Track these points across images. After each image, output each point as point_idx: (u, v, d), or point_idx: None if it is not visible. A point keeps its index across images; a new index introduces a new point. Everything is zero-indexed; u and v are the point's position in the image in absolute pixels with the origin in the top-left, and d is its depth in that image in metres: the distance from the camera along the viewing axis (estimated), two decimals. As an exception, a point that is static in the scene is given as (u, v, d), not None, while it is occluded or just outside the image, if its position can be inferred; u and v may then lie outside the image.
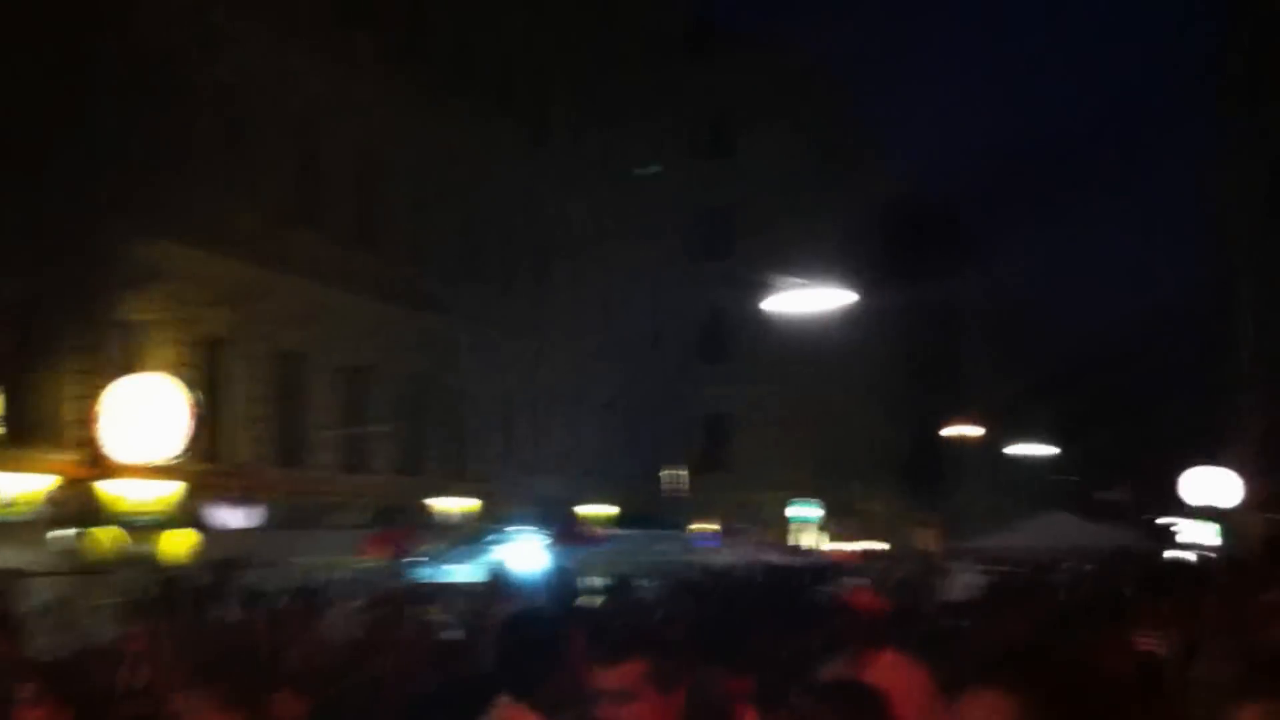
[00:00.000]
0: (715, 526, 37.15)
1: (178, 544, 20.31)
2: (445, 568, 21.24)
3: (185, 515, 21.36)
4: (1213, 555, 37.30)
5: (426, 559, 21.38)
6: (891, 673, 5.28)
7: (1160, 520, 66.18)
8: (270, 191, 24.64)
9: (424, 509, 28.52)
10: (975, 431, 57.01)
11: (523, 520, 26.12)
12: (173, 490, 21.29)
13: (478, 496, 29.99)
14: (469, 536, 24.26)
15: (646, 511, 35.14)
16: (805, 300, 29.14)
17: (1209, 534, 42.27)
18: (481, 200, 31.43)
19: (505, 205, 32.42)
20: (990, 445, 64.34)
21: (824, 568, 23.81)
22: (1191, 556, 38.58)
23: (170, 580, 14.34)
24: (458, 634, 11.44)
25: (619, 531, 28.81)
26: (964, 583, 20.34)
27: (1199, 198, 51.83)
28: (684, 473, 42.44)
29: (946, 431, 56.57)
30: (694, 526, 36.69)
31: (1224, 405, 41.61)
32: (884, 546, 47.24)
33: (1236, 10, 33.14)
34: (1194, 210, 54.25)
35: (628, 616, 9.38)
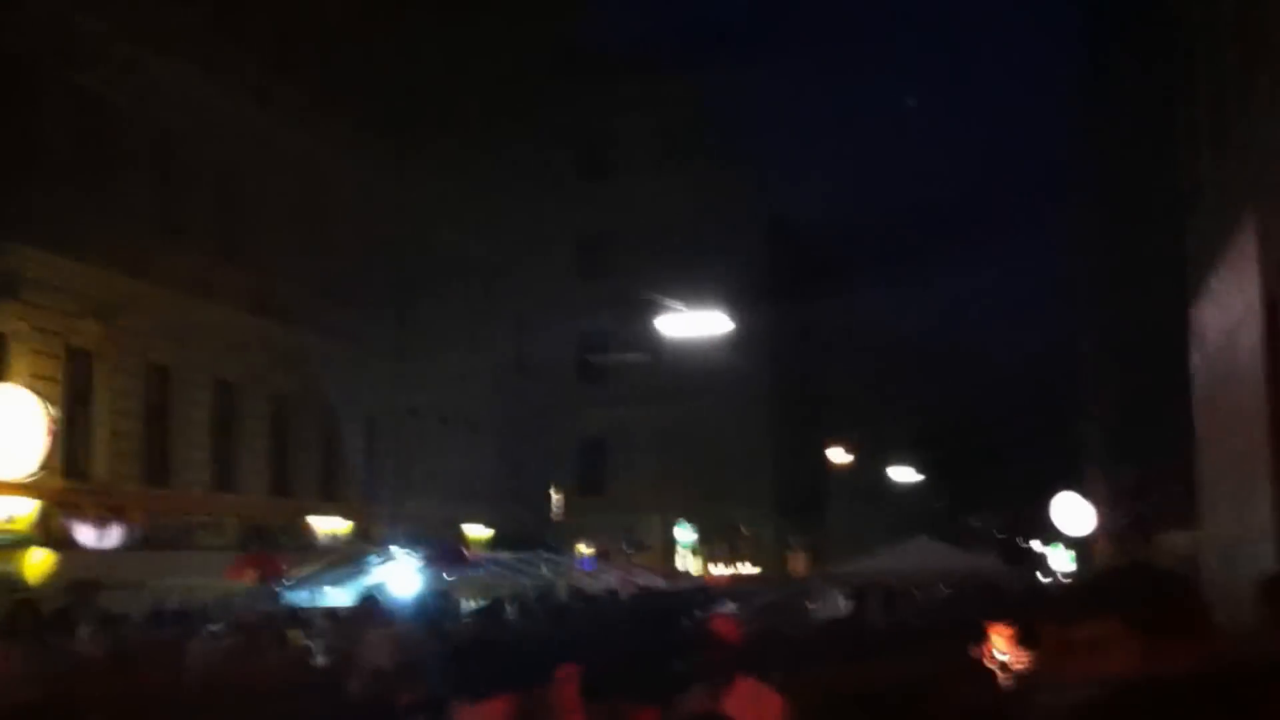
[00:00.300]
0: (591, 550, 37.30)
1: (35, 565, 19.82)
2: (317, 591, 21.06)
3: (43, 534, 20.83)
4: (1066, 581, 38.55)
5: (297, 582, 21.16)
6: (748, 702, 5.49)
7: (1023, 546, 68.01)
8: (139, 203, 24.18)
9: (295, 530, 28.19)
10: (848, 457, 58.11)
11: (397, 542, 25.95)
12: (29, 508, 20.76)
13: (350, 518, 29.74)
14: (341, 559, 24.03)
15: (523, 534, 35.11)
16: (684, 324, 29.67)
17: (1066, 560, 43.72)
18: (355, 219, 31.21)
19: (379, 225, 32.21)
20: (863, 471, 65.57)
21: (694, 593, 24.08)
22: (1047, 582, 39.82)
23: (20, 603, 14.02)
24: (326, 659, 11.47)
25: (494, 554, 28.79)
26: (832, 606, 20.82)
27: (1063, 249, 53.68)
28: (561, 495, 42.52)
29: (821, 457, 57.56)
30: (572, 549, 36.81)
31: (1080, 440, 43.09)
32: (757, 570, 47.88)
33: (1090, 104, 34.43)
34: (1061, 258, 56.24)
35: (491, 648, 9.45)
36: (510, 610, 17.90)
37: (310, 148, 29.01)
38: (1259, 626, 6.23)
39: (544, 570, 26.43)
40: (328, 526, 29.22)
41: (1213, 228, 13.42)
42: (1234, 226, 11.39)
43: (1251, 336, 10.44)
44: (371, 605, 12.66)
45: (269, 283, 27.46)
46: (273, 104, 28.10)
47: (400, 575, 22.15)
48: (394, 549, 24.17)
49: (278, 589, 20.36)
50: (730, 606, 21.73)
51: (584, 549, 34.74)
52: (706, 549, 47.44)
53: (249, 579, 20.19)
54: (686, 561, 45.33)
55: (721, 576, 41.54)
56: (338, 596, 20.05)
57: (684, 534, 45.06)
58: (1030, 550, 64.51)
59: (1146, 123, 21.37)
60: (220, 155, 26.64)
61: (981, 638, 9.76)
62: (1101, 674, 2.38)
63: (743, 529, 52.01)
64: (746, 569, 47.65)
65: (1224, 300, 11.86)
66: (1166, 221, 19.00)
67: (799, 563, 44.14)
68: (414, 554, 23.27)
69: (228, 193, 27.09)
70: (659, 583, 28.56)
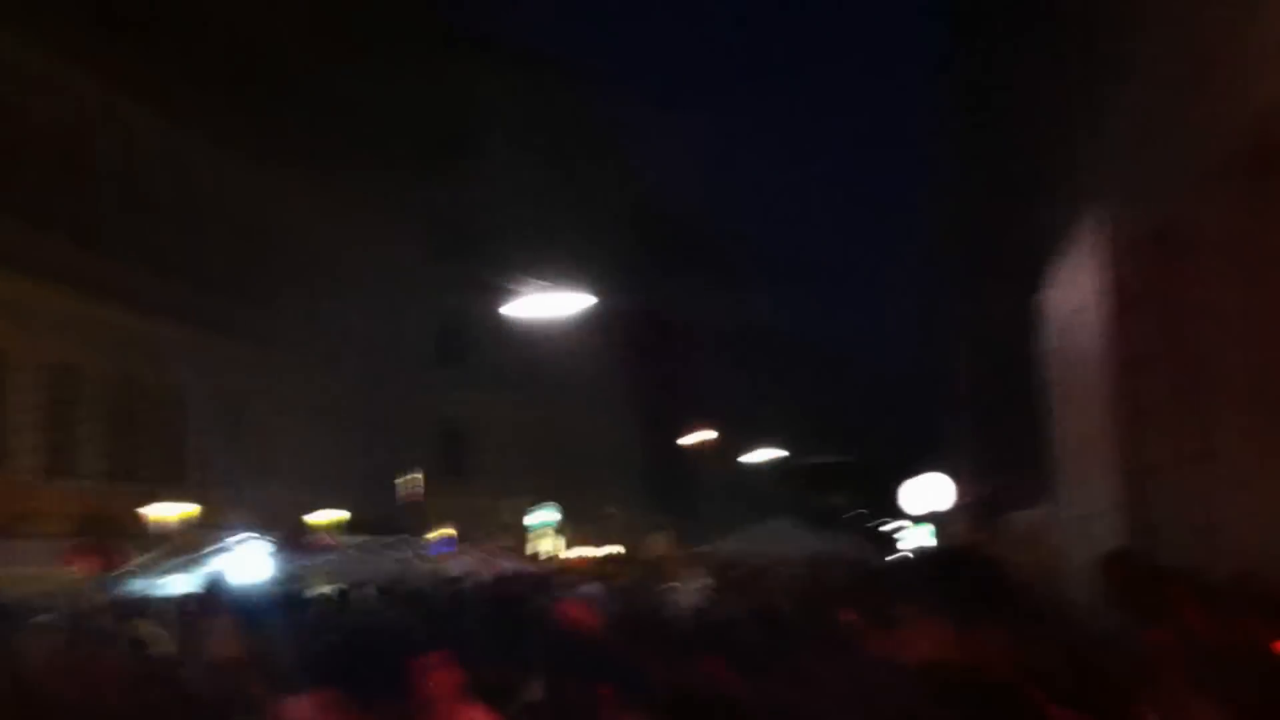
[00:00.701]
0: (451, 533, 36.93)
1: None
2: (159, 580, 20.46)
3: None
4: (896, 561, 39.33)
5: (138, 570, 20.55)
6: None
7: (883, 525, 69.35)
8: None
9: (137, 517, 27.32)
10: (712, 439, 58.50)
11: (244, 529, 25.35)
12: None
13: (196, 504, 28.92)
14: (185, 546, 23.39)
15: (380, 518, 34.63)
16: (544, 305, 29.41)
17: (925, 537, 44.65)
18: (202, 202, 30.37)
19: (227, 208, 31.42)
20: (726, 453, 66.15)
21: (552, 576, 23.96)
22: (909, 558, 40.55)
23: None
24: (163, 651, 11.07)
25: (347, 540, 28.31)
26: (694, 588, 20.89)
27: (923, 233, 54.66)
28: (419, 479, 42.00)
29: (684, 439, 57.84)
30: (430, 533, 36.40)
31: (938, 418, 43.97)
32: (619, 551, 47.95)
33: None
34: (921, 241, 57.37)
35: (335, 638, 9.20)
36: (359, 597, 17.60)
37: (158, 130, 28.13)
38: (1095, 601, 6.34)
39: (398, 556, 26.07)
40: (172, 513, 28.36)
41: (1062, 215, 13.71)
42: (1081, 214, 11.62)
43: (1101, 317, 10.66)
44: (213, 594, 12.25)
45: (110, 265, 26.53)
46: (116, 85, 27.12)
47: (247, 563, 21.64)
48: (241, 536, 23.62)
49: (118, 578, 19.75)
50: (590, 589, 21.70)
51: (442, 533, 34.32)
52: (568, 531, 47.35)
53: (87, 568, 19.52)
54: (548, 544, 45.18)
55: (583, 559, 41.48)
56: (181, 585, 19.46)
57: (545, 516, 44.88)
58: (890, 529, 65.78)
59: (1002, 112, 21.77)
60: (61, 135, 25.62)
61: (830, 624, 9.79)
62: (909, 657, 2.40)
63: (605, 511, 52.03)
64: (609, 551, 47.69)
65: (1071, 285, 12.11)
66: (1021, 207, 19.41)
67: (662, 544, 44.26)
68: (262, 541, 22.76)
69: (66, 168, 26.08)
70: (518, 567, 28.37)
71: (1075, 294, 11.63)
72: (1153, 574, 5.96)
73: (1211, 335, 8.50)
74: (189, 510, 28.36)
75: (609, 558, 43.60)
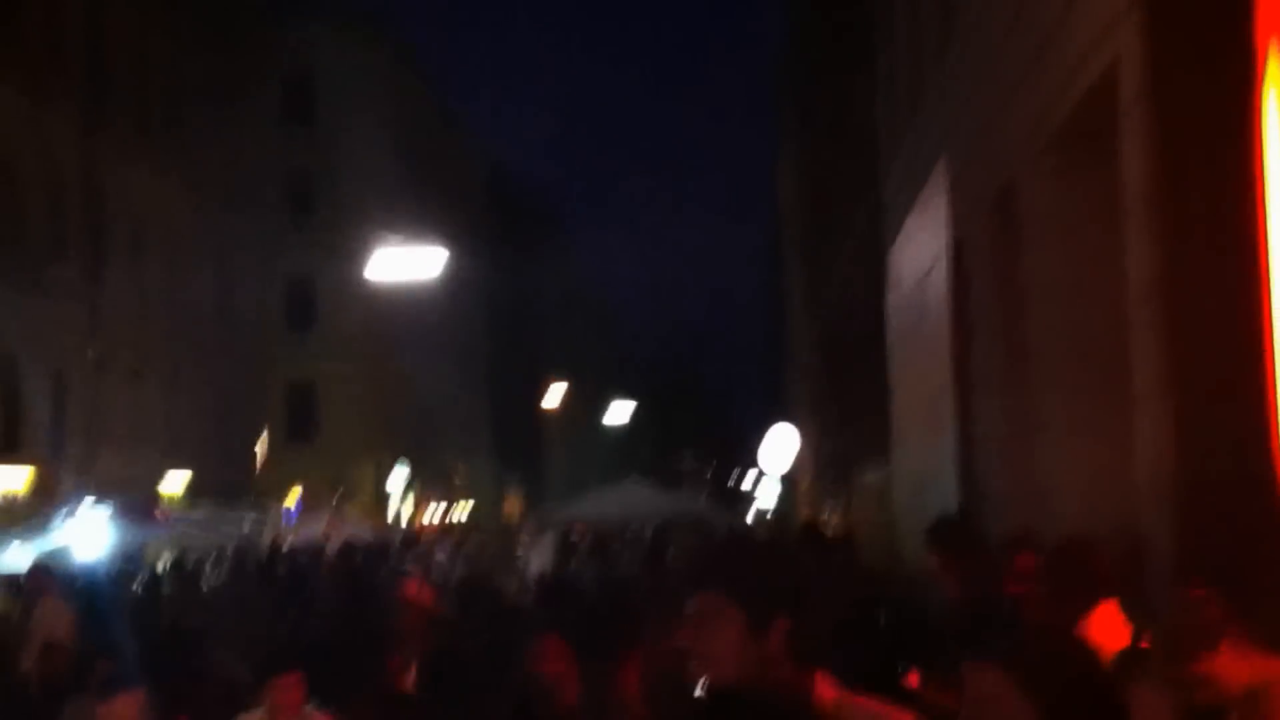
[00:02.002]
0: (299, 497, 36.31)
1: None
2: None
3: None
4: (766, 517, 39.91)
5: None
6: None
7: (731, 485, 70.20)
8: None
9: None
10: (564, 400, 58.51)
11: (84, 498, 24.56)
12: None
13: (30, 472, 27.87)
14: (21, 516, 22.59)
15: (226, 486, 33.88)
16: (396, 267, 28.97)
17: (774, 496, 45.29)
18: (41, 163, 29.10)
19: (68, 170, 30.18)
20: (579, 414, 66.24)
21: (401, 544, 23.67)
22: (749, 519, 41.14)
23: None
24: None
25: (192, 509, 27.68)
26: (543, 550, 20.87)
27: (762, 195, 55.31)
28: (263, 444, 41.15)
29: (537, 400, 57.74)
30: (279, 499, 35.74)
31: (787, 380, 44.59)
32: (469, 517, 47.76)
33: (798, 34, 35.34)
34: (761, 202, 58.02)
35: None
36: (197, 572, 17.18)
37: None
38: (922, 570, 6.43)
39: (245, 525, 25.56)
40: (7, 482, 27.32)
41: (909, 173, 13.84)
42: (927, 173, 11.73)
43: (940, 280, 10.80)
44: (42, 572, 11.78)
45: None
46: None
47: (86, 534, 20.99)
48: (80, 505, 22.89)
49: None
50: (440, 556, 21.54)
51: (291, 500, 33.73)
52: (420, 494, 46.95)
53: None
54: (399, 508, 44.74)
55: (433, 525, 41.18)
56: (16, 557, 18.76)
57: (397, 481, 44.40)
58: (739, 488, 66.64)
59: (850, 69, 21.96)
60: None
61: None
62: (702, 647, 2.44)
63: (457, 474, 51.71)
64: (461, 514, 47.46)
65: (917, 244, 12.24)
66: (868, 167, 19.65)
67: (514, 506, 44.21)
68: (102, 510, 22.10)
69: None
70: (367, 534, 28.01)
71: (922, 254, 11.77)
72: (974, 541, 6.06)
73: (1041, 305, 8.65)
74: (26, 479, 27.36)
75: (459, 524, 43.38)
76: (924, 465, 11.99)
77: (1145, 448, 6.31)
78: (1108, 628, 4.54)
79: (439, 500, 47.56)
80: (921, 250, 11.86)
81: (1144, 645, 4.07)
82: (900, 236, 13.63)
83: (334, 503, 38.00)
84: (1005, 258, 9.53)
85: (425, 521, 42.55)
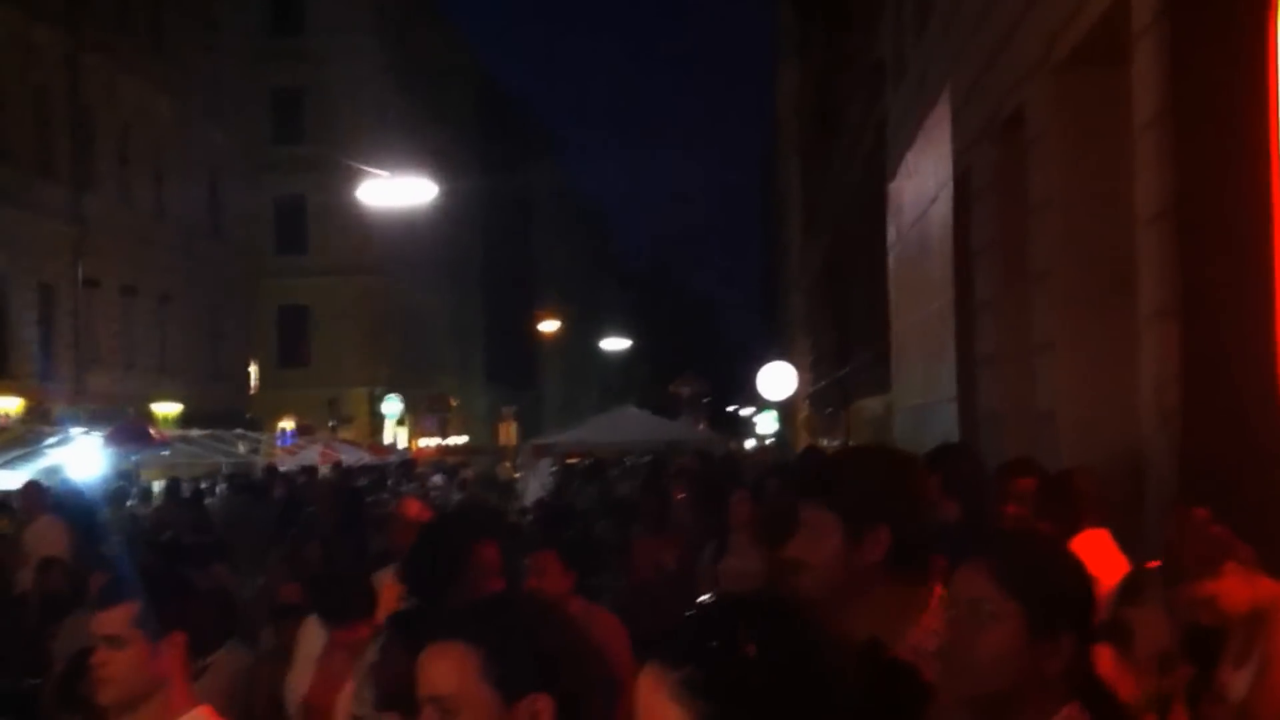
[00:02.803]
0: (292, 424, 36.42)
1: None
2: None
3: None
4: (770, 444, 40.15)
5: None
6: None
7: (729, 411, 70.46)
8: None
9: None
10: (559, 327, 58.56)
11: (76, 421, 24.61)
12: None
13: (20, 395, 27.88)
14: (12, 439, 22.63)
15: (218, 409, 33.94)
16: (389, 191, 28.82)
17: (771, 424, 45.56)
18: (22, 74, 28.77)
19: (52, 83, 29.85)
20: (574, 341, 66.29)
21: (397, 467, 23.80)
22: (750, 446, 41.36)
23: None
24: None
25: (185, 432, 27.71)
26: (540, 476, 20.98)
27: (761, 128, 54.91)
28: (258, 367, 41.21)
29: (532, 327, 57.77)
30: (272, 424, 35.84)
31: (786, 308, 44.62)
32: (466, 441, 47.93)
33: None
34: (758, 112, 57.54)
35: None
36: (191, 490, 17.25)
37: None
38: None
39: (239, 448, 25.65)
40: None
41: (912, 103, 13.78)
42: (931, 102, 11.69)
43: (943, 209, 10.80)
44: (36, 491, 11.82)
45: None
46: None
47: (79, 456, 21.07)
48: (72, 429, 22.94)
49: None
50: (436, 479, 21.66)
51: (285, 424, 33.84)
52: (415, 420, 47.07)
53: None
54: (394, 434, 44.88)
55: (429, 449, 41.34)
56: (10, 480, 18.84)
57: (391, 406, 44.48)
58: (737, 415, 66.92)
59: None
60: None
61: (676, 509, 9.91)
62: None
63: (452, 400, 51.80)
64: (456, 440, 47.62)
65: (919, 174, 12.23)
66: (873, 90, 19.49)
67: (510, 433, 44.30)
68: (95, 433, 22.14)
69: None
70: (363, 457, 28.14)
71: (924, 184, 11.76)
72: (974, 464, 6.09)
73: (1045, 228, 8.65)
74: (17, 403, 27.37)
75: (457, 446, 43.56)
76: (924, 393, 12.04)
77: (1151, 368, 6.35)
78: (1098, 555, 4.59)
79: (434, 425, 47.68)
80: (924, 181, 11.84)
81: (1150, 566, 4.10)
82: (901, 169, 13.60)
83: (329, 426, 38.14)
84: (1010, 183, 9.53)
85: (422, 447, 42.70)
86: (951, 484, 5.75)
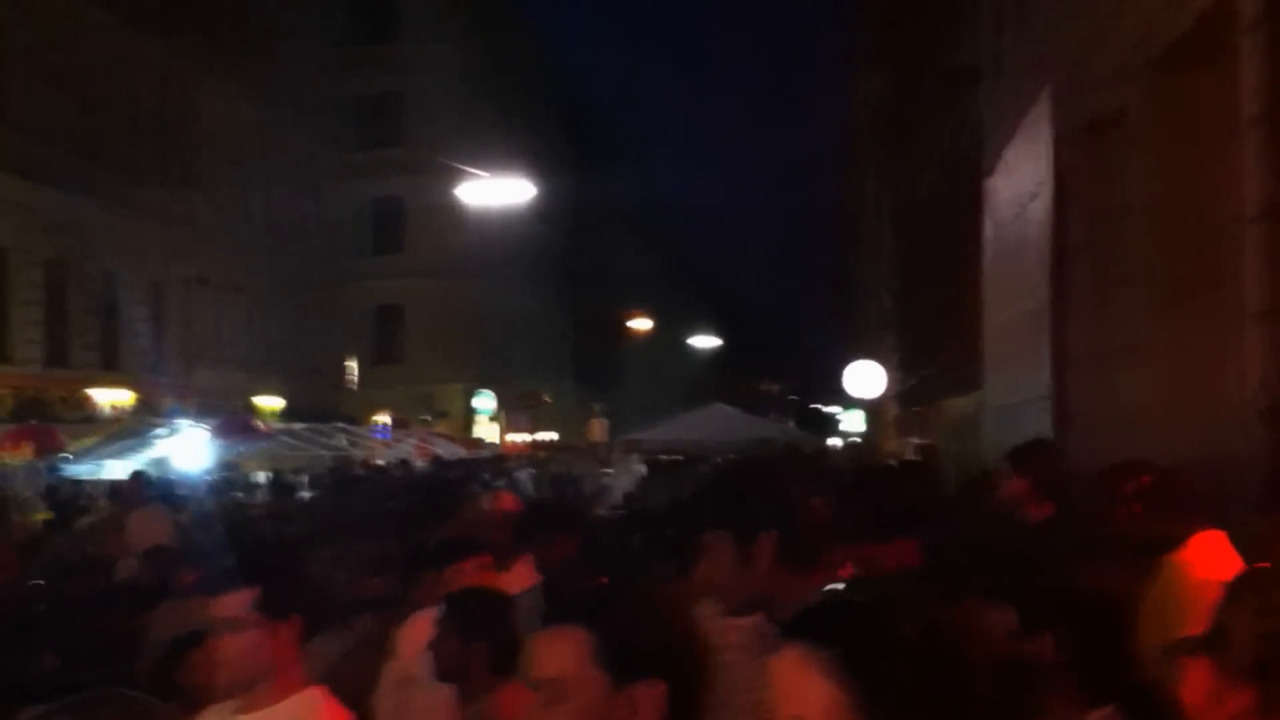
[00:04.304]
0: (387, 419, 36.80)
1: None
2: (96, 464, 20.24)
3: None
4: (857, 442, 39.78)
5: (76, 455, 20.29)
6: (522, 579, 5.30)
7: (816, 410, 69.99)
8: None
9: (74, 402, 26.92)
10: (647, 326, 58.63)
11: (183, 414, 25.06)
12: None
13: (131, 389, 28.51)
14: (123, 431, 23.10)
15: (316, 404, 34.42)
16: (485, 192, 29.06)
17: (859, 422, 45.18)
18: (122, 82, 29.36)
19: (149, 87, 30.44)
20: (662, 339, 66.29)
21: (487, 461, 23.93)
22: (838, 444, 41.01)
23: None
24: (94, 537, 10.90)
25: (286, 425, 28.10)
26: (629, 473, 20.98)
27: (839, 126, 54.43)
28: (355, 364, 41.73)
29: (620, 325, 57.90)
30: (368, 419, 36.25)
31: (873, 306, 44.11)
32: (554, 437, 48.13)
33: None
34: (836, 133, 57.04)
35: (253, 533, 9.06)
36: (298, 482, 17.46)
37: (79, 5, 27.01)
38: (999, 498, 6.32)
39: (337, 441, 25.95)
40: (109, 398, 27.98)
41: (1009, 101, 13.55)
42: (1028, 100, 11.49)
43: (1040, 208, 10.60)
44: (141, 481, 12.03)
45: (32, 145, 25.63)
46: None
47: (186, 448, 21.44)
48: (179, 421, 23.35)
49: (56, 462, 19.50)
50: (525, 474, 21.75)
51: (381, 419, 34.21)
52: (506, 417, 47.36)
53: (25, 452, 19.22)
54: (486, 429, 45.19)
55: (520, 444, 41.56)
56: (120, 470, 19.25)
57: (483, 402, 44.80)
58: (823, 414, 66.47)
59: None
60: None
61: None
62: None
63: (543, 397, 52.06)
64: (546, 436, 47.84)
65: (1016, 172, 12.03)
66: (960, 93, 19.20)
67: (598, 430, 44.41)
68: (201, 426, 22.52)
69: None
70: (456, 451, 28.34)
71: (1022, 182, 11.55)
72: (1065, 465, 5.95)
73: (1140, 228, 8.46)
74: (127, 396, 28.00)
75: (546, 443, 43.76)
76: (1015, 392, 11.82)
77: (1251, 370, 6.16)
78: (1215, 557, 4.43)
79: (525, 422, 47.96)
80: (1021, 179, 11.64)
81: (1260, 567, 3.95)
82: (999, 167, 13.38)
83: (423, 421, 38.51)
84: (1106, 182, 9.34)
85: (512, 443, 42.95)
86: (1043, 485, 5.62)
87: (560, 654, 1.96)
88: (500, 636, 3.97)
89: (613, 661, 1.93)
